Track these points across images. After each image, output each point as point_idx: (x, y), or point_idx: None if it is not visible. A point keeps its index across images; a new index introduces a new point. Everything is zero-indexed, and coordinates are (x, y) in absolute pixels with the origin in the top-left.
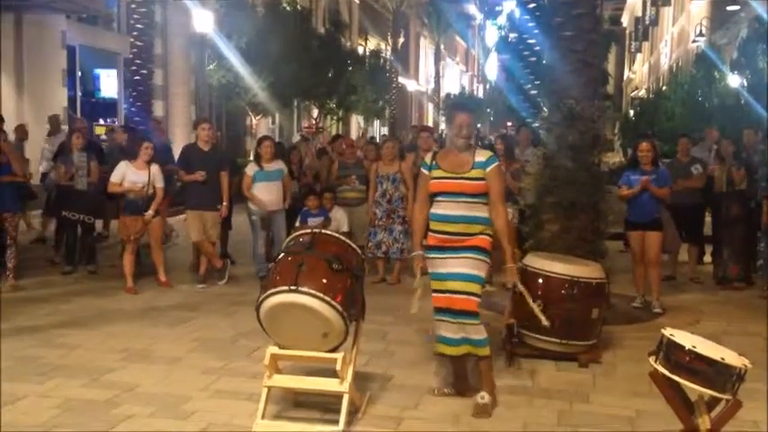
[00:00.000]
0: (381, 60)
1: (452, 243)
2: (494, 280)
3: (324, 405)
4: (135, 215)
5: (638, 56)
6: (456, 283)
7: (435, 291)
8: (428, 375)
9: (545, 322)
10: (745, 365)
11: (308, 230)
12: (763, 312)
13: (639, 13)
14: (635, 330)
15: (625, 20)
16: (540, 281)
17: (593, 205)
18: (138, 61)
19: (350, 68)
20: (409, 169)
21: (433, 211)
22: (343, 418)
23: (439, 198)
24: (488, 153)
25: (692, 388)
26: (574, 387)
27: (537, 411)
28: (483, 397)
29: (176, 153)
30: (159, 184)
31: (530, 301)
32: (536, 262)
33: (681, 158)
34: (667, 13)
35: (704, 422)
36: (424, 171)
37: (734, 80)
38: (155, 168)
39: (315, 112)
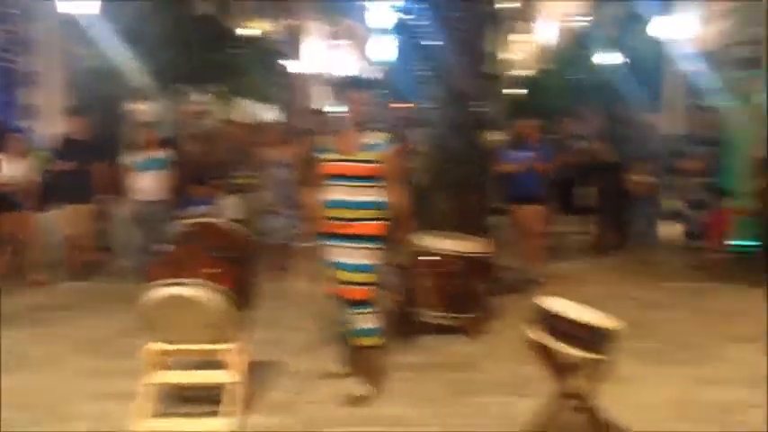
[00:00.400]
0: (272, 43)
1: (344, 230)
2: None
3: (216, 398)
4: (11, 211)
5: (523, 35)
6: (347, 273)
7: (332, 280)
8: (321, 360)
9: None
10: (615, 327)
11: (192, 220)
12: (638, 275)
13: None
14: (520, 300)
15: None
16: (431, 258)
17: (480, 183)
18: (4, 48)
19: (237, 51)
20: (301, 154)
21: (325, 196)
22: (236, 409)
23: (331, 182)
24: (384, 135)
25: (567, 351)
26: (463, 358)
27: (428, 384)
28: (363, 387)
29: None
30: (32, 177)
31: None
32: (426, 240)
33: (563, 134)
34: None
35: (578, 383)
36: (318, 155)
37: (611, 58)
38: (27, 160)
39: (200, 97)
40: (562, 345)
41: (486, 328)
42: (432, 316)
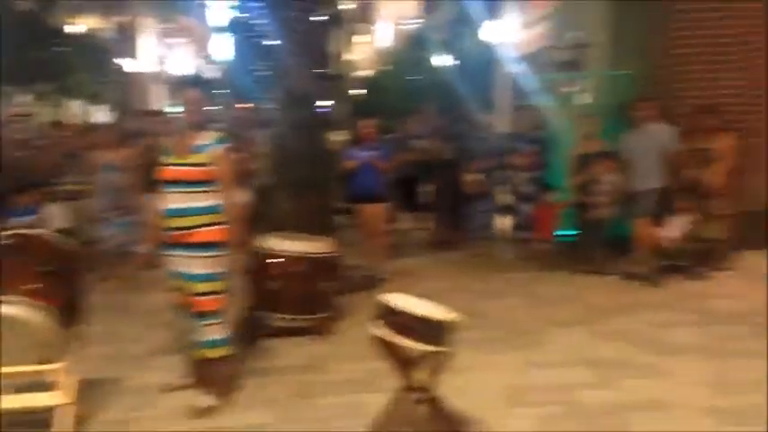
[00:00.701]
0: (101, 40)
1: (183, 239)
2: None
3: (46, 422)
4: None
5: (362, 37)
6: (189, 284)
7: (176, 290)
8: (163, 373)
9: None
10: (453, 319)
11: (13, 231)
12: (475, 268)
13: None
14: (365, 298)
15: (347, 2)
16: (275, 260)
17: (323, 183)
18: None
19: (63, 49)
20: (134, 157)
21: (162, 204)
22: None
23: (165, 188)
24: (215, 135)
25: (409, 345)
26: (311, 360)
27: (274, 388)
28: (208, 399)
29: None
30: None
31: None
32: (270, 242)
33: (403, 133)
34: None
35: (420, 375)
36: (161, 158)
37: (443, 59)
38: None
39: (23, 98)
40: (403, 339)
41: (334, 328)
42: (278, 319)
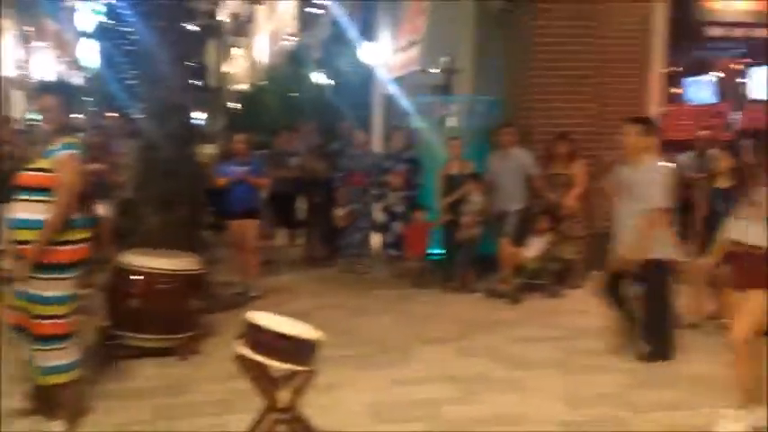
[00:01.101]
0: None
1: (20, 253)
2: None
3: None
4: None
5: (238, 51)
6: (25, 304)
7: (18, 310)
8: (5, 398)
9: None
10: (318, 337)
11: None
12: (348, 285)
13: (236, 9)
14: (234, 316)
15: (223, 14)
16: (136, 278)
17: (192, 197)
18: None
19: None
20: None
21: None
22: None
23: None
24: (65, 140)
25: (273, 365)
26: (172, 381)
27: (133, 411)
28: (56, 425)
29: None
30: None
31: None
32: (131, 259)
33: (280, 149)
34: (262, 10)
35: (284, 395)
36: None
37: (320, 77)
38: None
39: None
40: (267, 358)
41: (199, 347)
42: (139, 339)
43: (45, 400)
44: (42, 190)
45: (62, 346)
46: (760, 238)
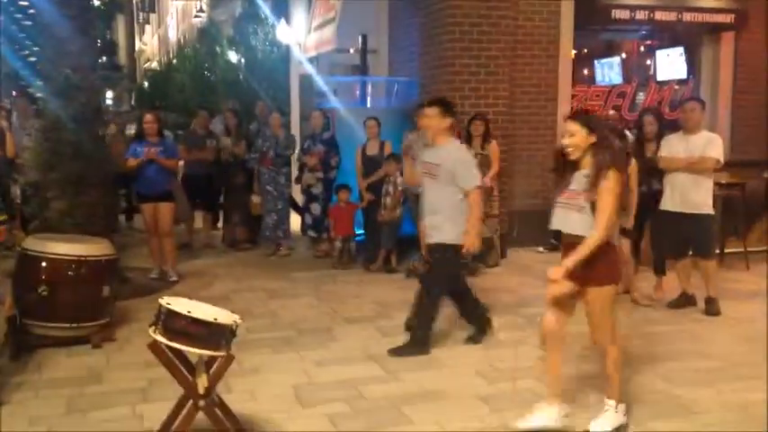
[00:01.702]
0: None
1: None
2: None
3: None
4: None
5: (148, 27)
6: None
7: None
8: None
9: None
10: (236, 321)
11: None
12: (268, 267)
13: None
14: (152, 302)
15: None
16: (44, 264)
17: (102, 179)
18: None
19: None
20: None
21: None
22: None
23: None
24: None
25: (190, 351)
26: (86, 370)
27: (44, 403)
28: None
29: None
30: None
31: None
32: (36, 244)
33: (197, 130)
34: None
35: (202, 381)
36: None
37: (233, 56)
38: None
39: None
40: (182, 344)
41: (114, 335)
42: (50, 328)
43: None
44: None
45: None
46: (581, 228)
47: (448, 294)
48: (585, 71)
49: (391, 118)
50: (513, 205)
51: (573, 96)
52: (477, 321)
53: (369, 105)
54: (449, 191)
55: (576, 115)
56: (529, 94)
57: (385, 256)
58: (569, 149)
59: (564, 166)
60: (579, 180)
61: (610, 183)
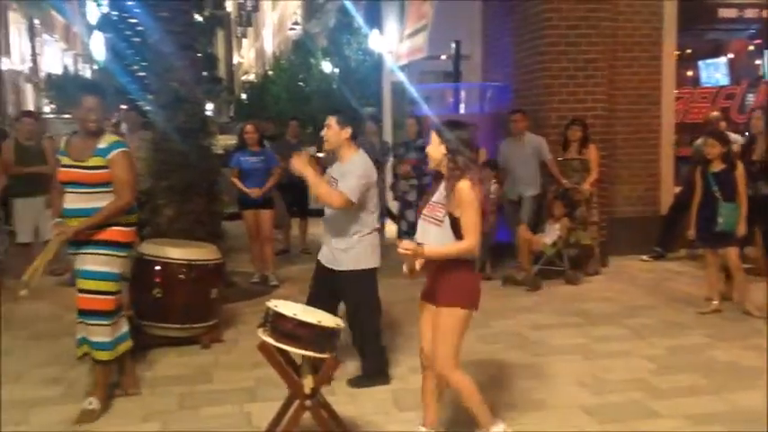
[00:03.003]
0: None
1: (78, 238)
2: None
3: None
4: None
5: (245, 41)
6: (81, 281)
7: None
8: (36, 385)
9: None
10: (339, 325)
11: None
12: None
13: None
14: (254, 305)
15: (229, 5)
16: (158, 268)
17: (207, 187)
18: None
19: None
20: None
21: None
22: None
23: (65, 189)
24: (113, 138)
25: (297, 352)
26: (196, 369)
27: (158, 399)
28: (91, 402)
29: None
30: None
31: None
32: (151, 249)
33: (290, 139)
34: (266, 0)
35: (309, 382)
36: (58, 157)
37: (327, 66)
38: None
39: None
40: (290, 346)
41: (221, 336)
42: (163, 328)
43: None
44: (100, 184)
45: (107, 323)
46: (437, 242)
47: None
48: (689, 73)
49: (484, 124)
50: (614, 212)
51: (677, 99)
52: (372, 359)
53: (462, 112)
54: (350, 211)
55: (436, 125)
56: (629, 97)
57: (480, 264)
58: (429, 160)
59: (437, 175)
60: (440, 192)
61: (466, 196)
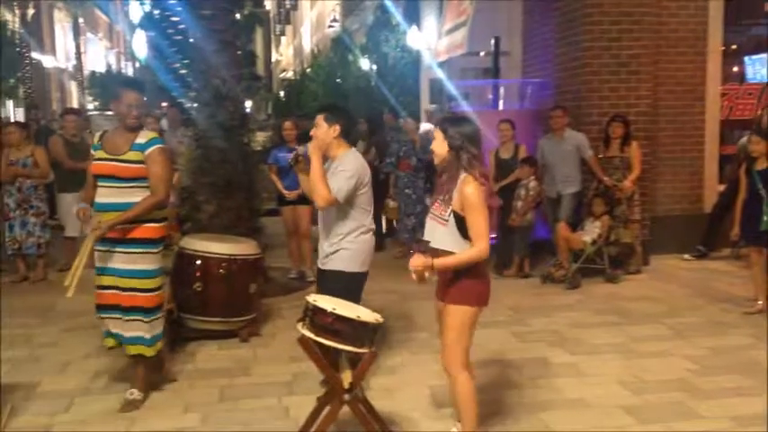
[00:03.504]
0: (9, 33)
1: (111, 234)
2: None
3: None
4: None
5: (284, 39)
6: (120, 279)
7: (98, 287)
8: (81, 376)
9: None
10: (378, 320)
11: None
12: (397, 270)
13: None
14: (292, 300)
15: (268, 3)
16: (199, 262)
17: (247, 184)
18: None
19: None
20: (44, 155)
21: (94, 198)
22: None
23: (98, 182)
24: (151, 134)
25: (335, 347)
26: (235, 363)
27: (199, 391)
28: (132, 393)
29: None
30: None
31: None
32: (192, 243)
33: None
34: None
35: (347, 377)
36: (92, 151)
37: (364, 63)
38: None
39: None
40: (329, 340)
41: (259, 330)
42: (203, 321)
43: (135, 371)
44: (135, 179)
45: (152, 318)
46: (446, 242)
47: None
48: (735, 68)
49: (524, 121)
50: (657, 210)
51: (723, 95)
52: None
53: (500, 108)
54: (341, 210)
55: (441, 121)
56: (674, 93)
57: (518, 261)
58: (433, 156)
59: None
60: (449, 188)
61: (473, 198)
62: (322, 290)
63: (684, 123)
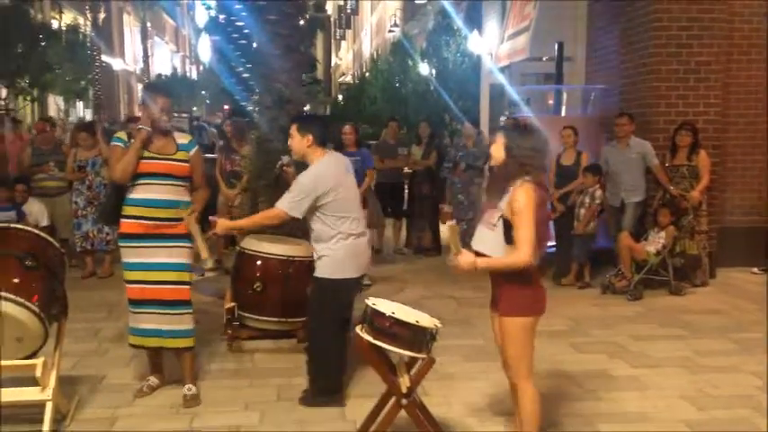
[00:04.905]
0: (81, 36)
1: (157, 230)
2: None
3: (29, 417)
4: None
5: (343, 43)
6: (166, 273)
7: (136, 282)
8: (145, 370)
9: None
10: (436, 326)
11: None
12: (454, 277)
13: (342, 2)
14: None
15: (329, 7)
16: (259, 263)
17: None
18: None
19: (43, 44)
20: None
21: (135, 195)
22: (47, 428)
23: (143, 180)
24: (188, 136)
25: (394, 351)
26: (293, 363)
27: (258, 390)
28: (190, 389)
29: None
30: None
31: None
32: (252, 244)
33: (388, 140)
34: (366, 2)
35: (405, 381)
36: (119, 145)
37: (424, 68)
38: None
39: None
40: (388, 344)
41: None
42: (261, 321)
43: (181, 366)
44: (184, 177)
45: (191, 310)
46: (490, 247)
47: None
48: None
49: (587, 127)
50: (724, 221)
51: None
52: (315, 377)
53: (563, 114)
54: (313, 220)
55: (509, 128)
56: (745, 101)
57: (577, 269)
58: (491, 158)
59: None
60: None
61: (522, 204)
62: (311, 296)
63: (755, 132)
